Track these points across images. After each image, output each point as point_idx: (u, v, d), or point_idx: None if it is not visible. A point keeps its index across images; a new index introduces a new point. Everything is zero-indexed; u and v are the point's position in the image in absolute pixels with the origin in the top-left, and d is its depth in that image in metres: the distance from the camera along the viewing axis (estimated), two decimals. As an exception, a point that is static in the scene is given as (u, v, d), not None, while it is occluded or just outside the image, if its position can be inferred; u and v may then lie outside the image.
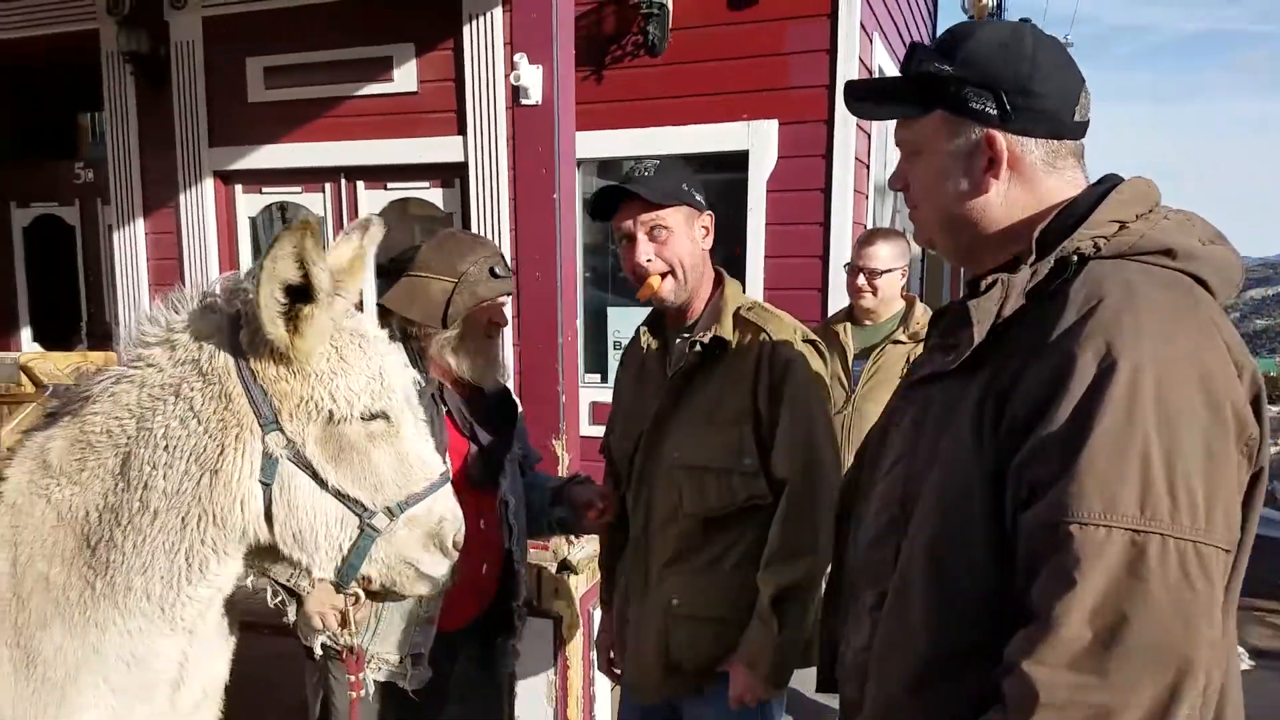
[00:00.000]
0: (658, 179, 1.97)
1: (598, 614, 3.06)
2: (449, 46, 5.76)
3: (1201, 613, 1.00)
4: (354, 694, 1.83)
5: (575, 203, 5.34)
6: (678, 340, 2.06)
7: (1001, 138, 1.19)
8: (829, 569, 1.55)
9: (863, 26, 5.33)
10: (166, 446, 1.58)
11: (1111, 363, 1.02)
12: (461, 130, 5.76)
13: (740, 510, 1.95)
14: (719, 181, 5.87)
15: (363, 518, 1.59)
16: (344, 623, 1.78)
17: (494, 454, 2.13)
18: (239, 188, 6.45)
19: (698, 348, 1.96)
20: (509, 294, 2.18)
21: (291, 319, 1.54)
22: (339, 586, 1.65)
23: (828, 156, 5.24)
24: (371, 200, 6.18)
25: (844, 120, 5.19)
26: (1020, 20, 1.27)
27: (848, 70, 5.14)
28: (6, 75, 6.61)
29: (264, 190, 6.42)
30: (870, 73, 5.80)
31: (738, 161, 5.45)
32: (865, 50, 5.53)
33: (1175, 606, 0.98)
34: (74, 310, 7.24)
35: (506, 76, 4.90)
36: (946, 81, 1.20)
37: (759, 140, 5.33)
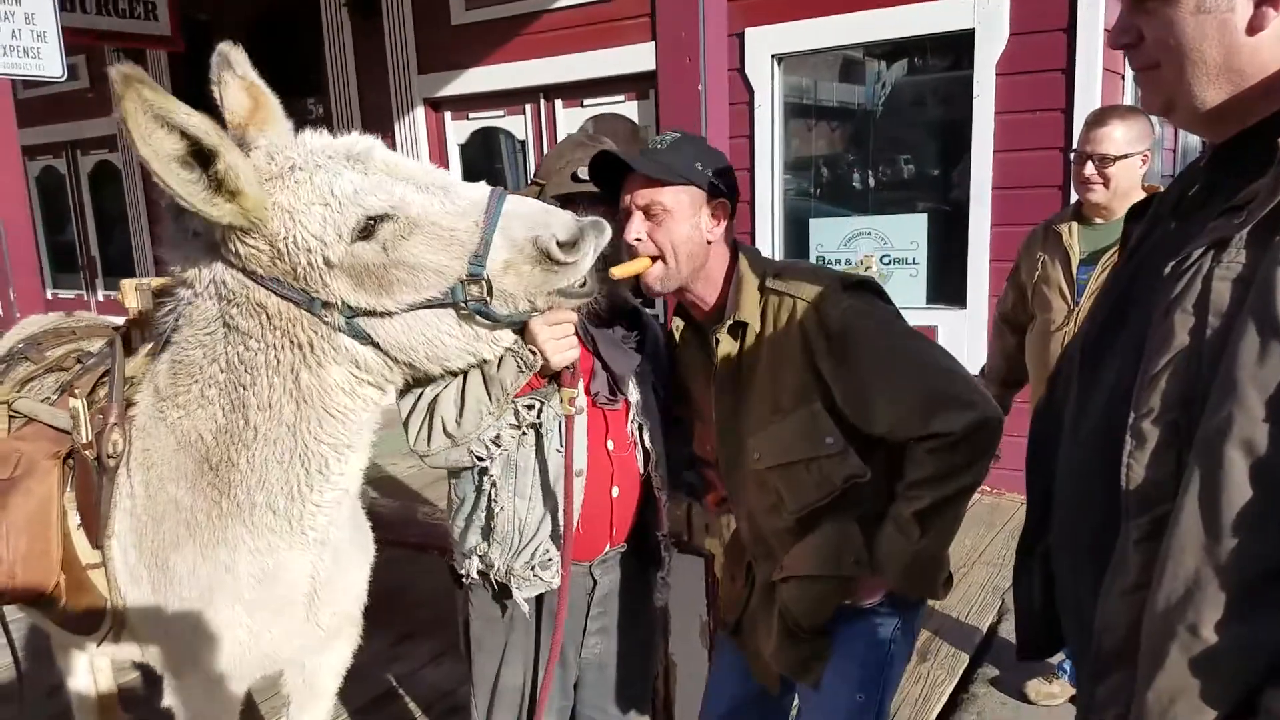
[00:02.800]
0: (668, 153, 1.77)
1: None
2: (643, -52, 5.44)
3: None
4: (569, 409, 1.83)
5: (756, 103, 5.02)
6: (711, 335, 1.87)
7: None
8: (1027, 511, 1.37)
9: None
10: (245, 368, 1.59)
11: None
12: (654, 36, 5.45)
13: (843, 493, 1.76)
14: (937, 72, 5.20)
15: (462, 306, 1.54)
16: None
17: (615, 367, 1.94)
18: (448, 114, 6.57)
19: (717, 340, 1.82)
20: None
21: (220, 188, 1.43)
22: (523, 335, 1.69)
23: (1069, 30, 4.46)
24: (570, 118, 6.08)
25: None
26: None
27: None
28: (244, 19, 7.07)
29: (470, 116, 6.49)
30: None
31: (962, 43, 4.77)
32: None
33: None
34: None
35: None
36: None
37: (988, 16, 4.64)
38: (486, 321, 1.58)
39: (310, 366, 1.57)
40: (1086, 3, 4.40)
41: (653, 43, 5.38)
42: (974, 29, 4.67)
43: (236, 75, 1.60)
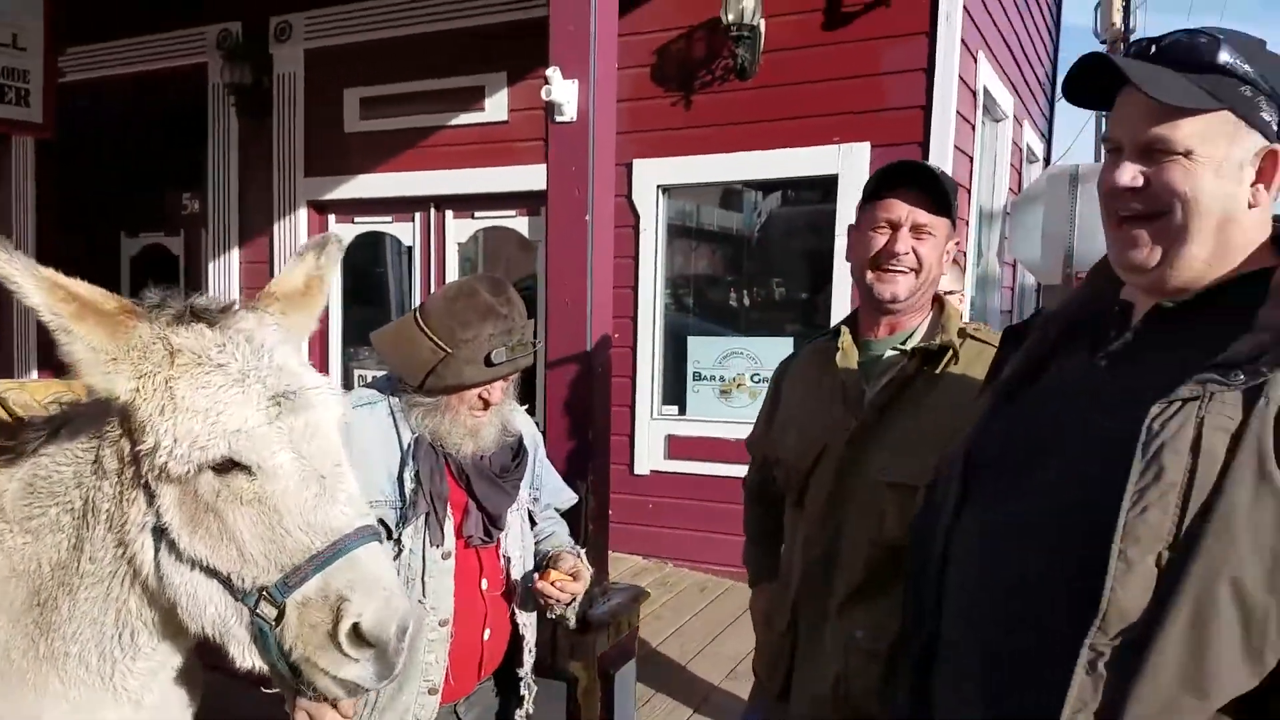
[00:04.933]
0: (944, 179, 1.90)
1: (620, 675, 2.82)
2: (540, 75, 5.68)
3: None
4: None
5: (641, 227, 5.30)
6: (883, 353, 1.92)
7: None
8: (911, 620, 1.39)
9: (965, 44, 5.00)
10: (93, 509, 1.42)
11: None
12: (547, 158, 5.68)
13: None
14: (808, 205, 5.60)
15: (241, 600, 1.30)
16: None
17: (490, 507, 1.91)
18: (332, 217, 6.58)
19: (917, 356, 1.85)
20: (513, 374, 1.91)
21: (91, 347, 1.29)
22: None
23: (923, 182, 4.88)
24: (459, 229, 6.20)
25: (941, 142, 4.86)
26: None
27: (946, 90, 4.83)
28: (124, 110, 6.95)
29: (356, 220, 6.53)
30: (974, 94, 5.43)
31: (827, 186, 5.18)
32: (967, 69, 5.18)
33: None
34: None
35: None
36: (1244, 82, 1.13)
37: (850, 164, 5.05)
38: (259, 637, 1.32)
39: (125, 540, 1.41)
40: (937, 157, 4.84)
41: (545, 165, 5.65)
42: (838, 174, 5.07)
43: (318, 262, 1.57)
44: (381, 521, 1.72)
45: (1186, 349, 1.12)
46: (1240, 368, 1.05)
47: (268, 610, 1.28)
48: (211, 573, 1.31)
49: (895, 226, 1.86)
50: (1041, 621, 1.14)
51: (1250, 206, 1.15)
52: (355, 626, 1.27)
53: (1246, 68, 1.13)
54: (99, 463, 1.41)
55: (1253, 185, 1.15)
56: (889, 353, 1.91)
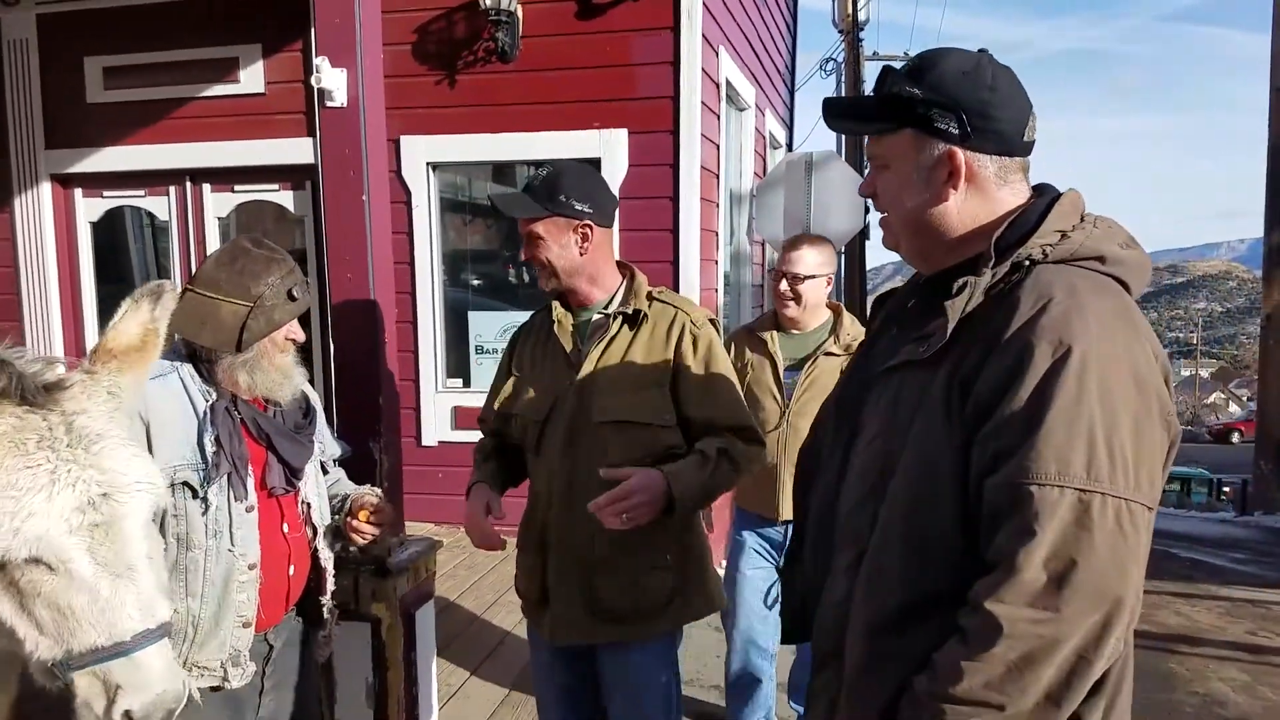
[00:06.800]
0: (541, 188, 2.23)
1: (420, 614, 3.08)
2: (297, 47, 5.70)
3: (1132, 559, 1.20)
4: None
5: (414, 204, 5.40)
6: (590, 318, 2.34)
7: (961, 153, 1.36)
8: (791, 529, 1.80)
9: (706, 39, 5.49)
10: None
11: (1065, 351, 1.20)
12: (311, 132, 5.69)
13: (659, 460, 2.20)
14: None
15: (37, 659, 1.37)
16: None
17: (292, 460, 2.12)
18: (79, 191, 6.22)
19: (619, 319, 2.28)
20: (306, 307, 2.15)
21: None
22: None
23: (674, 166, 5.37)
24: (219, 203, 6.06)
25: (689, 130, 5.33)
26: (979, 50, 1.43)
27: (691, 82, 5.29)
28: None
29: (105, 194, 6.21)
30: (717, 85, 5.96)
31: (591, 167, 5.51)
32: (710, 63, 5.69)
33: (1112, 553, 1.18)
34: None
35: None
36: (915, 103, 1.36)
37: (610, 148, 5.43)
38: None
39: None
40: (686, 144, 5.34)
41: (310, 139, 5.67)
42: (600, 158, 5.42)
43: (152, 314, 1.58)
44: (186, 484, 1.92)
45: (927, 318, 1.43)
46: (929, 340, 1.36)
47: (56, 675, 1.37)
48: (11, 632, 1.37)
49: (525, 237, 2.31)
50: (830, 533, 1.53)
51: (939, 202, 1.39)
52: (127, 712, 1.37)
53: (914, 90, 1.37)
54: None
55: (943, 186, 1.38)
56: (595, 317, 2.34)
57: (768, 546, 3.35)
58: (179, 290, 1.66)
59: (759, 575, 3.33)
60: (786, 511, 3.16)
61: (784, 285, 3.19)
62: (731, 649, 3.43)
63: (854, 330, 3.21)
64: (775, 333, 3.28)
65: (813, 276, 3.17)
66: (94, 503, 1.34)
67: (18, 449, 1.31)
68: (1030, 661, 1.19)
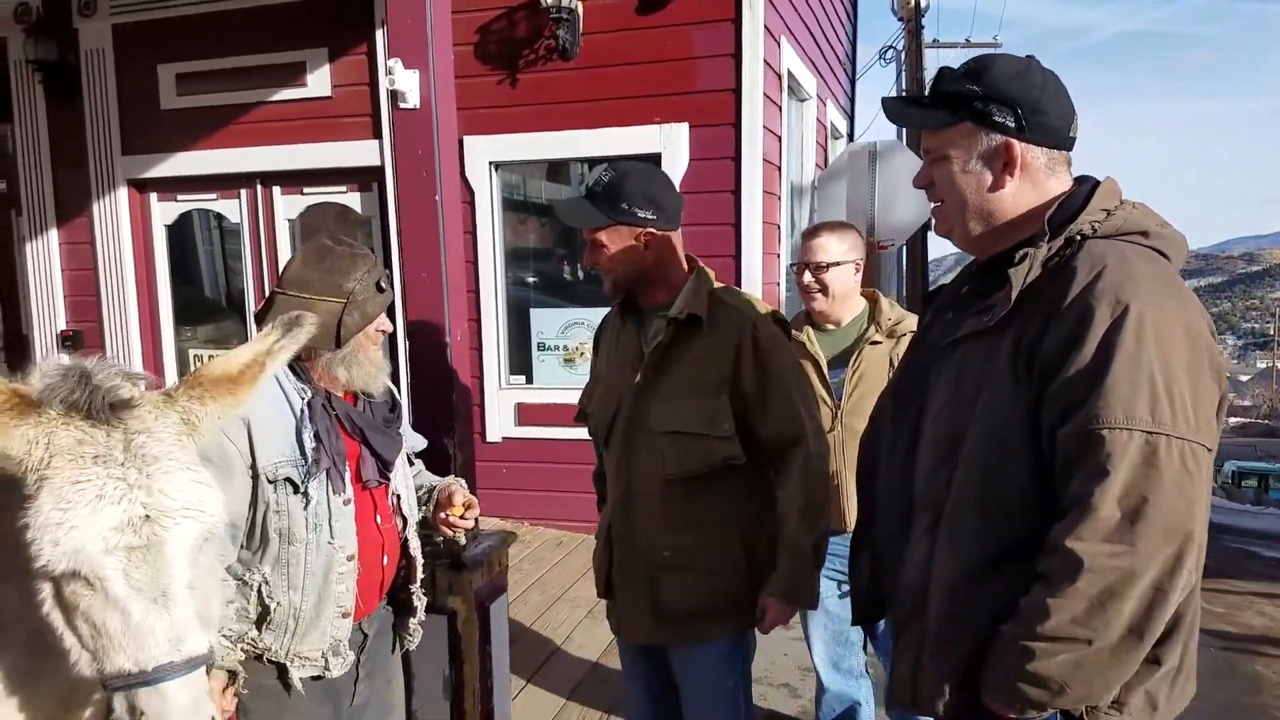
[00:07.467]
0: (603, 194, 2.23)
1: (494, 607, 3.12)
2: (362, 51, 5.79)
3: (1197, 495, 1.29)
4: None
5: (477, 203, 5.49)
6: (655, 319, 2.29)
7: (1017, 145, 1.49)
8: (857, 515, 1.86)
9: (768, 30, 5.45)
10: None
11: (1123, 310, 1.31)
12: (377, 134, 5.79)
13: (718, 471, 2.21)
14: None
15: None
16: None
17: (384, 453, 2.17)
18: (154, 195, 6.41)
19: (673, 325, 2.23)
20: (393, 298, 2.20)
21: None
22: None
23: (736, 159, 5.34)
24: (289, 205, 6.19)
25: (751, 123, 5.30)
26: (1027, 56, 1.55)
27: (753, 74, 5.25)
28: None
29: (179, 198, 6.39)
30: (779, 77, 5.92)
31: (652, 163, 5.52)
32: (772, 53, 5.65)
33: (1180, 490, 1.27)
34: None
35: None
36: (974, 99, 1.49)
37: (671, 143, 5.43)
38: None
39: None
40: (749, 137, 5.32)
41: (376, 141, 5.76)
42: (661, 153, 5.43)
43: (274, 344, 1.56)
44: (288, 479, 1.97)
45: (985, 298, 1.56)
46: (992, 311, 1.48)
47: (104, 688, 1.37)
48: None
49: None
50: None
51: (997, 189, 1.52)
52: None
53: (973, 87, 1.50)
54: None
55: (1000, 173, 1.51)
56: (657, 321, 2.30)
57: (837, 562, 2.80)
58: (314, 323, 1.63)
59: (832, 599, 3.01)
60: (853, 518, 2.91)
61: (807, 277, 2.95)
62: (820, 681, 3.18)
63: (894, 314, 2.96)
64: (811, 330, 3.01)
65: (837, 264, 2.92)
66: (134, 524, 1.32)
67: (76, 463, 1.32)
68: (1111, 594, 1.26)
